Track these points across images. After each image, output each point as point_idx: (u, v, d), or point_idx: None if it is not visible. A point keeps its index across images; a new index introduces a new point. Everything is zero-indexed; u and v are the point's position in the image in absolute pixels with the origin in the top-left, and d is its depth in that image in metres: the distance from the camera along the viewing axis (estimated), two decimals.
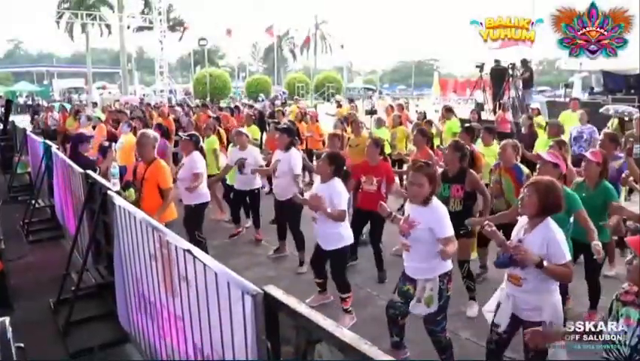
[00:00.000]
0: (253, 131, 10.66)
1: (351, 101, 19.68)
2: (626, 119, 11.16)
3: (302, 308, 1.85)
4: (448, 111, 11.71)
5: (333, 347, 1.71)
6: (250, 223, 8.07)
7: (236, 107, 16.27)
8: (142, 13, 42.57)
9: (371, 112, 13.43)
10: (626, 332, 2.41)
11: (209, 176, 8.70)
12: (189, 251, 2.66)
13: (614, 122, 12.06)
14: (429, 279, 3.89)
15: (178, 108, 15.74)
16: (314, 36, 62.26)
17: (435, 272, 3.89)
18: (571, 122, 10.41)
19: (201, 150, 6.53)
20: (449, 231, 3.84)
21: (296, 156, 6.71)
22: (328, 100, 32.00)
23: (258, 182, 7.58)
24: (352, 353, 1.62)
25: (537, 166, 4.69)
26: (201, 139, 6.92)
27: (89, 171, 5.25)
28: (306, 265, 6.55)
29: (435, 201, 3.94)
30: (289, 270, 6.66)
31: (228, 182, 8.24)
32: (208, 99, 32.33)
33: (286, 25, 68.53)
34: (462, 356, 4.30)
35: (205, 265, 2.52)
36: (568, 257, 3.29)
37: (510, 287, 3.47)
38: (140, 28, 42.98)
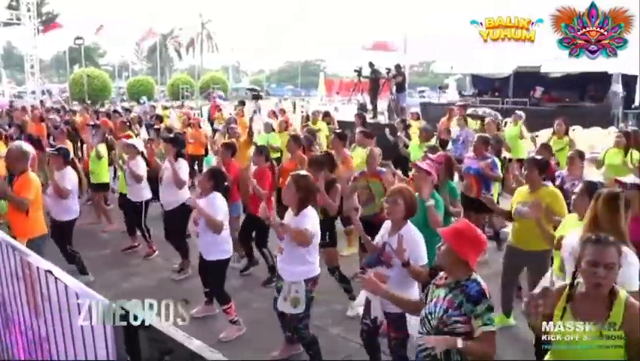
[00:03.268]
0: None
1: (241, 103, 19.28)
2: (487, 120, 12.17)
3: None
4: (324, 115, 12.14)
5: (182, 356, 1.87)
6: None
7: (115, 111, 15.63)
8: (10, 7, 39.27)
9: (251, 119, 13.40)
10: (435, 308, 2.85)
11: (99, 185, 8.45)
12: (50, 272, 2.68)
13: (478, 123, 13.15)
14: (295, 282, 4.19)
15: (54, 116, 14.79)
16: (199, 35, 61.22)
17: (302, 276, 4.20)
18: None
19: (72, 163, 6.36)
20: (309, 226, 4.13)
21: (183, 165, 6.75)
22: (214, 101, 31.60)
23: (146, 194, 7.41)
24: None
25: (412, 173, 5.10)
26: (71, 152, 6.75)
27: None
28: (184, 273, 6.62)
29: (309, 208, 4.23)
30: (168, 279, 6.66)
31: (120, 191, 8.07)
32: (87, 101, 30.68)
33: (171, 23, 66.83)
34: (331, 350, 4.62)
35: (66, 285, 2.56)
36: (426, 260, 3.75)
37: None
38: (6, 24, 39.66)
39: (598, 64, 20.41)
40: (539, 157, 5.45)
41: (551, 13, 12.03)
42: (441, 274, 2.99)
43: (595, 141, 14.50)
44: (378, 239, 4.03)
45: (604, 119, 19.51)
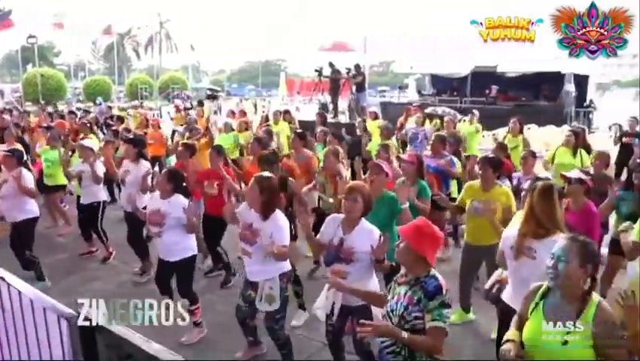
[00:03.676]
0: (92, 140, 10.17)
1: (200, 103, 19.10)
2: (445, 118, 12.40)
3: (114, 326, 1.98)
4: (284, 114, 12.18)
5: (141, 360, 1.86)
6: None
7: (71, 112, 15.22)
8: None
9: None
10: (396, 305, 2.91)
11: (57, 187, 8.23)
12: (2, 278, 2.62)
13: (437, 122, 13.40)
14: (269, 279, 4.18)
15: (7, 117, 14.29)
16: (158, 34, 60.27)
17: (276, 273, 4.20)
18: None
19: (25, 164, 6.22)
20: (286, 240, 4.14)
21: (144, 166, 6.64)
22: (173, 102, 31.22)
23: (101, 195, 7.26)
24: None
25: (369, 172, 5.17)
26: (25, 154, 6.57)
27: None
28: (146, 275, 6.54)
29: (278, 212, 4.24)
30: (129, 283, 6.56)
31: (77, 193, 7.87)
32: (42, 102, 29.79)
33: (128, 22, 65.55)
34: (297, 350, 4.62)
35: (19, 291, 2.51)
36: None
37: None
38: None
39: (552, 64, 21.12)
40: (493, 156, 5.61)
41: (551, 13, 12.01)
42: (402, 271, 3.05)
43: (550, 138, 14.92)
44: (327, 235, 4.01)
45: (557, 118, 20.16)
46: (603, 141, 13.28)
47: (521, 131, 9.33)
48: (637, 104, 28.60)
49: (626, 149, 10.26)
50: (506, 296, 3.77)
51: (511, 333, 2.75)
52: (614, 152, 10.48)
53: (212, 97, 24.66)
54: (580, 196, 4.79)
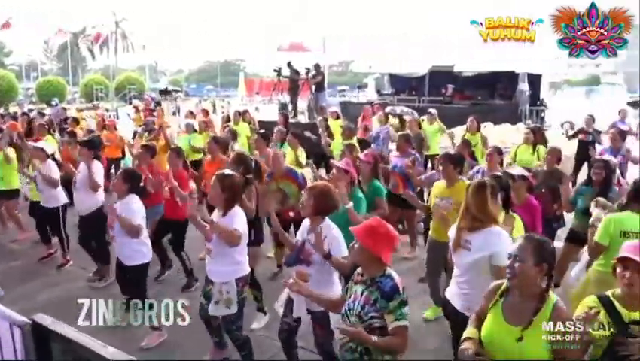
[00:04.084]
0: (50, 141, 9.87)
1: (157, 104, 18.86)
2: (406, 118, 12.56)
3: (67, 331, 1.93)
4: (243, 114, 12.11)
5: None
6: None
7: (24, 113, 14.71)
8: None
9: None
10: (353, 305, 2.94)
11: (11, 191, 7.92)
12: None
13: (395, 121, 13.54)
14: (226, 282, 4.15)
15: None
16: (114, 34, 58.96)
17: (232, 276, 4.17)
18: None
19: None
20: (238, 226, 4.11)
21: (98, 168, 6.51)
22: (130, 102, 30.58)
23: (61, 199, 7.03)
24: None
25: (332, 172, 5.18)
26: None
27: None
28: (104, 280, 6.40)
29: (237, 208, 4.22)
30: (87, 288, 6.40)
31: (32, 198, 7.66)
32: None
33: (82, 21, 63.92)
34: (259, 351, 4.60)
35: None
36: (346, 252, 3.77)
37: None
38: None
39: (506, 63, 21.63)
40: (453, 153, 5.72)
41: (551, 13, 12.08)
42: (358, 270, 3.07)
43: (505, 136, 15.32)
44: (298, 237, 4.08)
45: (512, 116, 20.72)
46: (556, 138, 13.69)
47: (478, 129, 9.52)
48: (586, 102, 29.70)
49: (583, 145, 10.62)
50: (447, 291, 3.89)
51: (469, 331, 2.80)
52: (566, 148, 10.84)
53: (166, 92, 24.20)
54: (522, 191, 5.00)
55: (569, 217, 6.05)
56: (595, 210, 4.80)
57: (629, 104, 21.82)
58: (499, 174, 4.79)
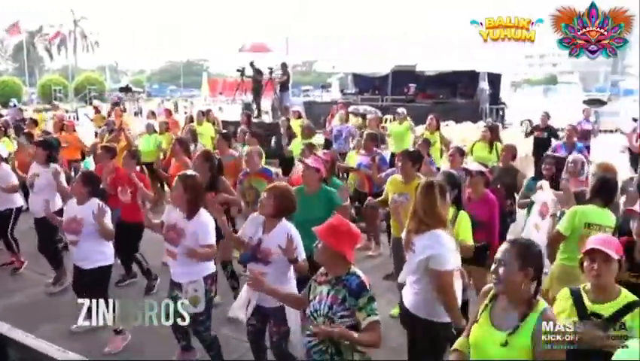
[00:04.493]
0: (6, 144, 9.60)
1: (116, 104, 18.51)
2: (369, 116, 12.67)
3: (24, 338, 1.91)
4: (207, 114, 12.04)
5: None
6: None
7: None
8: None
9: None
10: (320, 305, 2.94)
11: None
12: None
13: (358, 120, 13.67)
14: (193, 281, 4.14)
15: None
16: (72, 33, 57.57)
17: (200, 274, 4.16)
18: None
19: None
20: (211, 239, 4.12)
21: (54, 169, 6.32)
22: (91, 103, 29.89)
23: (16, 201, 6.83)
24: None
25: (302, 171, 5.21)
26: None
27: None
28: (60, 285, 6.27)
29: (202, 211, 4.19)
30: (43, 294, 6.26)
31: None
32: None
33: (39, 20, 62.14)
34: (227, 351, 4.59)
35: None
36: (304, 255, 3.80)
37: None
38: None
39: (466, 63, 22.01)
40: (412, 150, 5.87)
41: (551, 13, 12.17)
42: (321, 270, 3.08)
43: (467, 135, 15.59)
44: (246, 233, 4.03)
45: (474, 115, 21.09)
46: (515, 135, 14.05)
47: (438, 128, 9.66)
48: (544, 100, 30.45)
49: (538, 142, 10.93)
50: (403, 290, 3.89)
51: (458, 342, 2.85)
52: (524, 145, 11.15)
53: (127, 90, 23.76)
54: (480, 187, 5.09)
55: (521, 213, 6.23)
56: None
57: (584, 102, 22.44)
58: (452, 171, 4.89)
